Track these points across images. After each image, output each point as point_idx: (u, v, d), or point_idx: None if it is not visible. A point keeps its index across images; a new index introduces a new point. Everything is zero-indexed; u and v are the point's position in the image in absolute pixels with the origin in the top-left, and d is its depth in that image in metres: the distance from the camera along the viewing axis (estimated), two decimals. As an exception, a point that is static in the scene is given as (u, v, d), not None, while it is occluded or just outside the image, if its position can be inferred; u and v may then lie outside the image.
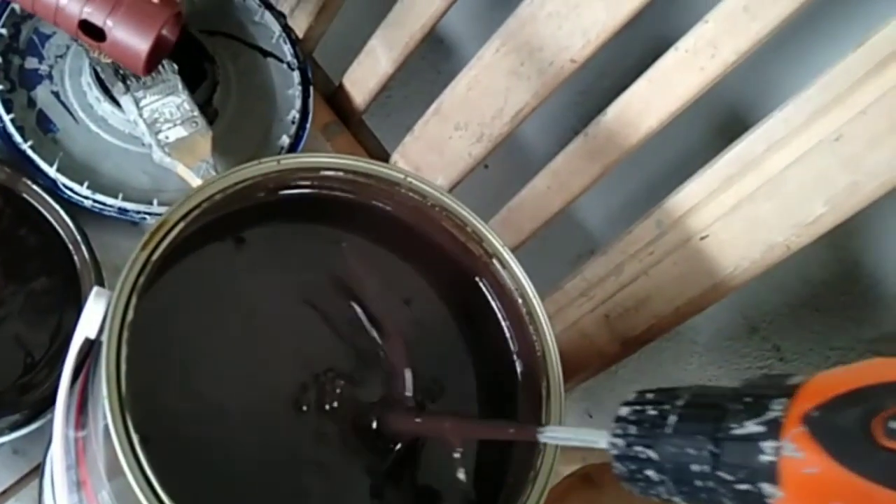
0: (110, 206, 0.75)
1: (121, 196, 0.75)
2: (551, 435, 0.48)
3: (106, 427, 0.45)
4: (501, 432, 0.53)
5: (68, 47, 0.80)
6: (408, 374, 0.55)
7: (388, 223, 0.60)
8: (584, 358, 0.80)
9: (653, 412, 0.40)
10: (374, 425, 0.54)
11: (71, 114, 0.78)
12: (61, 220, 0.73)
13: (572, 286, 0.80)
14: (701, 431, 0.38)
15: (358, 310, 0.58)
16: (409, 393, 0.55)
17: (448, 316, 0.61)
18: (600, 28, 0.69)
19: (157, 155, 0.74)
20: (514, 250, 0.82)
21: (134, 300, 0.48)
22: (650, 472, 0.39)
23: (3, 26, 0.78)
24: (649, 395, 0.41)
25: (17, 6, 0.77)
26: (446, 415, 0.55)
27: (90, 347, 0.51)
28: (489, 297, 0.59)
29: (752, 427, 0.36)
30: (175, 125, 0.75)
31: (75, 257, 0.73)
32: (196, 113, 0.76)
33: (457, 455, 0.52)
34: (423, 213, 0.58)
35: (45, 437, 0.66)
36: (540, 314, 0.57)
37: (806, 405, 0.35)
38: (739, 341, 0.99)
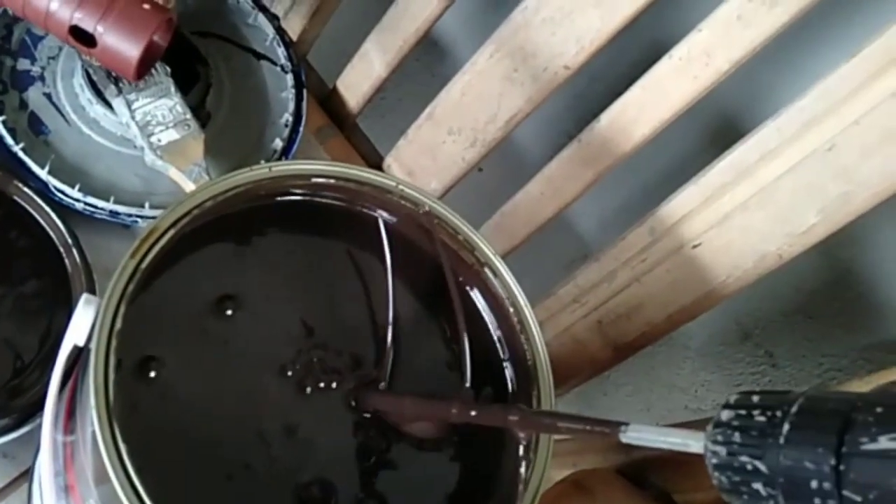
0: (102, 208, 0.75)
1: (112, 199, 0.75)
2: (636, 435, 0.43)
3: (94, 433, 0.45)
4: (577, 427, 0.47)
5: (60, 49, 0.80)
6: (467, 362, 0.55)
7: (380, 230, 0.59)
8: (577, 363, 0.80)
9: (761, 418, 0.36)
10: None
11: (63, 116, 0.78)
12: (52, 223, 0.73)
13: (565, 292, 0.79)
14: (822, 444, 0.34)
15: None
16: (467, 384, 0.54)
17: (438, 323, 0.61)
18: (594, 35, 0.69)
19: (149, 158, 0.74)
20: (507, 255, 0.83)
21: (123, 308, 0.47)
22: (757, 486, 0.36)
23: (-6, 27, 0.78)
24: (755, 399, 0.37)
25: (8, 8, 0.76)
26: (513, 407, 0.51)
27: (79, 354, 0.51)
28: (480, 306, 0.59)
29: (886, 443, 0.32)
30: (167, 128, 0.75)
31: (66, 260, 0.72)
32: (188, 116, 0.75)
33: (522, 445, 0.51)
34: (416, 221, 0.58)
35: (34, 441, 0.66)
36: (531, 323, 0.57)
37: None
38: (732, 347, 0.99)
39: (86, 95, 0.77)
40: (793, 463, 0.34)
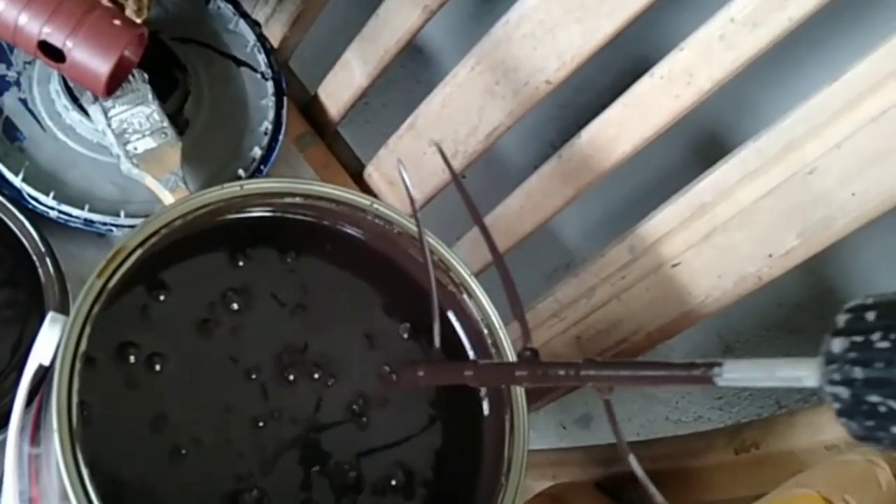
0: (76, 217, 0.74)
1: (87, 207, 0.74)
2: (734, 375, 0.36)
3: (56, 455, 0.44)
4: (660, 375, 0.40)
5: (38, 53, 0.79)
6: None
7: (355, 249, 0.59)
8: (555, 379, 0.79)
9: (883, 343, 0.29)
10: None
11: (38, 122, 0.77)
12: (26, 232, 0.72)
13: (544, 307, 0.79)
14: None
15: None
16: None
17: (414, 344, 0.60)
18: (575, 51, 0.69)
19: (125, 166, 0.73)
20: (486, 268, 0.82)
21: (88, 329, 0.47)
22: None
23: (-30, 31, 0.77)
24: (871, 316, 0.30)
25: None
26: (588, 361, 0.42)
27: (46, 371, 0.50)
28: (455, 327, 0.58)
29: None
30: (144, 136, 0.74)
31: (40, 269, 0.71)
32: (166, 124, 0.74)
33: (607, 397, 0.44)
34: (390, 240, 0.58)
35: (3, 452, 0.65)
36: (505, 345, 0.57)
37: None
38: (713, 360, 0.99)
39: (62, 101, 0.76)
40: None
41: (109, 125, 0.74)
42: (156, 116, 0.75)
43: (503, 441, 0.54)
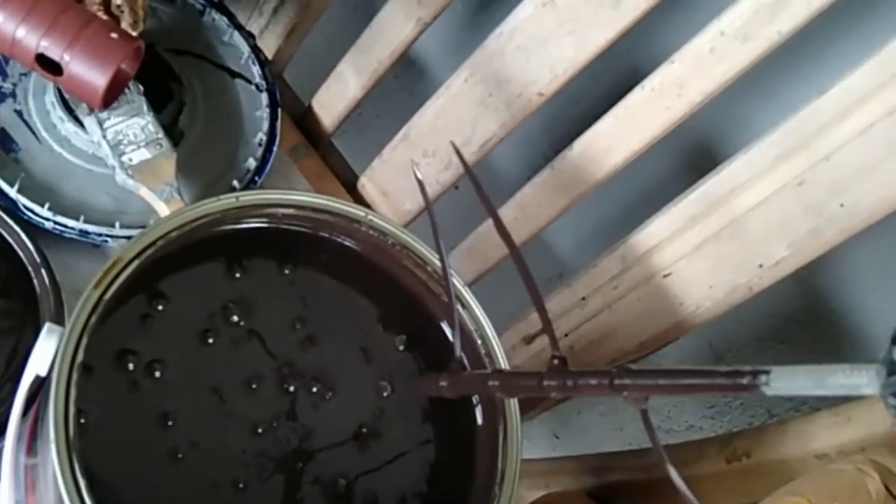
0: (72, 228, 0.74)
1: (82, 218, 0.74)
2: (783, 384, 0.33)
3: (52, 463, 0.45)
4: (703, 383, 0.38)
5: (33, 65, 0.79)
6: None
7: (350, 259, 0.59)
8: (548, 388, 0.80)
9: None
10: None
11: (34, 133, 0.77)
12: (21, 243, 0.72)
13: (536, 317, 0.79)
14: None
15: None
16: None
17: (408, 354, 0.61)
18: (568, 63, 0.69)
19: (120, 177, 0.73)
20: (480, 278, 0.83)
21: (85, 340, 0.47)
22: None
23: (-34, 42, 0.77)
24: None
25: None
26: (621, 368, 0.41)
27: (42, 382, 0.50)
28: (449, 337, 0.59)
29: None
30: (139, 147, 0.74)
31: (35, 280, 0.71)
32: (161, 135, 0.75)
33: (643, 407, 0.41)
34: (385, 251, 0.58)
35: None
36: (499, 355, 0.57)
37: None
38: (705, 370, 0.99)
39: (57, 113, 0.77)
40: None
41: (105, 136, 0.74)
42: (151, 128, 0.75)
43: (496, 450, 0.55)
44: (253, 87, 0.86)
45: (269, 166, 0.83)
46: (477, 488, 0.56)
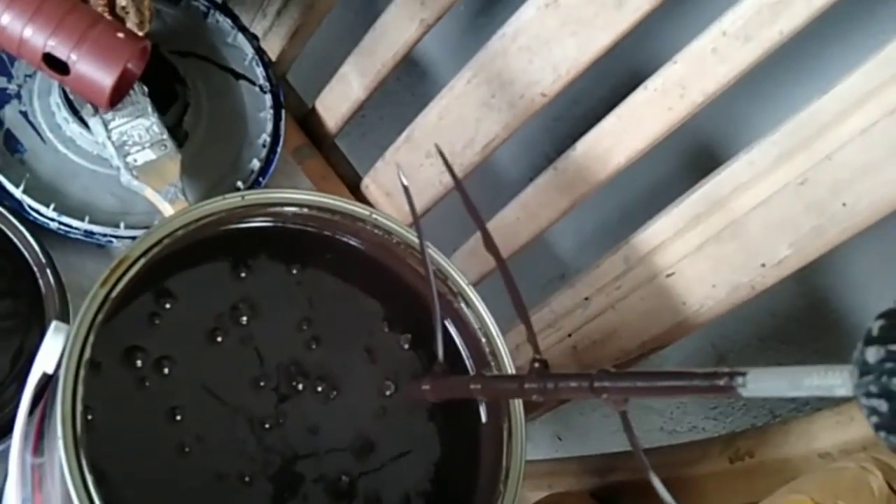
0: (77, 228, 0.74)
1: (87, 219, 0.74)
2: (759, 385, 0.32)
3: (60, 461, 0.45)
4: (679, 385, 0.37)
5: (38, 66, 0.80)
6: None
7: (355, 259, 0.59)
8: (551, 388, 0.80)
9: None
10: None
11: (39, 134, 0.77)
12: (27, 243, 0.72)
13: (540, 317, 0.80)
14: None
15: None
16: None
17: (413, 353, 0.61)
18: (570, 64, 0.69)
19: (125, 178, 0.74)
20: (483, 279, 0.83)
21: (92, 338, 0.47)
22: None
23: (-29, 44, 0.78)
24: None
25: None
26: (602, 371, 0.40)
27: (49, 378, 0.51)
28: (453, 336, 0.59)
29: None
30: (144, 148, 0.75)
31: (40, 280, 0.72)
32: (165, 136, 0.75)
33: (623, 409, 0.42)
34: (389, 250, 0.58)
35: (4, 463, 0.65)
36: (503, 354, 0.57)
37: None
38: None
39: (62, 114, 0.77)
40: None
41: (109, 137, 0.74)
42: (155, 129, 0.75)
43: (501, 449, 0.55)
44: (257, 89, 0.86)
45: (272, 167, 0.83)
46: (481, 487, 0.56)
